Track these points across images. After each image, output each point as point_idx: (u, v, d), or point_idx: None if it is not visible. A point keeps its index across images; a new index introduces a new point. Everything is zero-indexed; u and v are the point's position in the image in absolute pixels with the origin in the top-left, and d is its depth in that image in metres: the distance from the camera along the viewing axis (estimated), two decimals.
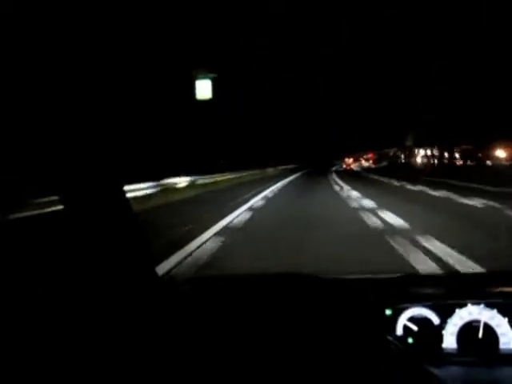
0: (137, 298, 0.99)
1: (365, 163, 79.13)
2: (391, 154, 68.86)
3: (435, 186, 15.63)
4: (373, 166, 69.87)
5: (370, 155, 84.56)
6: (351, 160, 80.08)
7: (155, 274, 1.09)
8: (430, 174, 25.21)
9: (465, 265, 4.17)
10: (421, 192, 14.02)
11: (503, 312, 0.96)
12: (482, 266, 3.90)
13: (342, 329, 0.98)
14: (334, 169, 57.83)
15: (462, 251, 4.75)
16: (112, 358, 0.86)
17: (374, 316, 1.01)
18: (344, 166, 66.25)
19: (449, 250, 4.94)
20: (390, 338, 0.98)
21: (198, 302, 1.08)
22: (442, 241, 5.27)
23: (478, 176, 17.71)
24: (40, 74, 0.94)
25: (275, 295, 1.11)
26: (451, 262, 4.41)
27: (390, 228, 6.66)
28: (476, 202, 10.13)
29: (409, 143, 64.21)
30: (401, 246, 5.25)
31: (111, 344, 0.90)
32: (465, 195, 11.58)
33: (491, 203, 9.74)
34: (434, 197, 12.32)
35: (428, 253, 4.86)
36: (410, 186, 16.80)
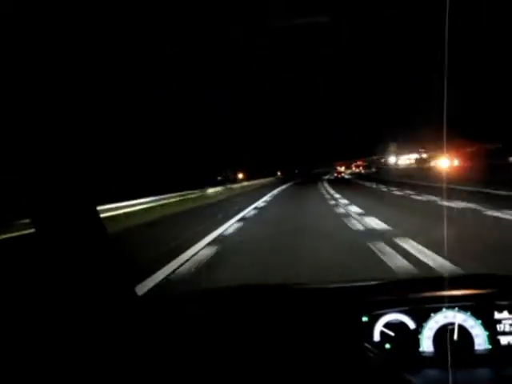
0: (114, 317, 1.00)
1: (355, 169, 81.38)
2: (381, 160, 71.25)
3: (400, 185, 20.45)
4: (363, 171, 72.69)
5: (359, 162, 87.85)
6: (343, 168, 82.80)
7: (133, 293, 1.10)
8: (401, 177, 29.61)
9: None
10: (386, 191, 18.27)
11: (476, 314, 0.98)
12: None
13: (319, 337, 0.99)
14: (326, 177, 57.30)
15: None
16: (93, 375, 0.86)
17: (351, 323, 1.01)
18: (335, 174, 67.00)
19: None
20: (367, 344, 0.99)
21: (174, 320, 1.09)
22: None
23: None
24: (36, 75, 0.94)
25: (253, 308, 1.12)
26: None
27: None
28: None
29: (392, 149, 67.28)
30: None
31: (90, 361, 0.90)
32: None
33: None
34: (394, 194, 15.92)
35: None
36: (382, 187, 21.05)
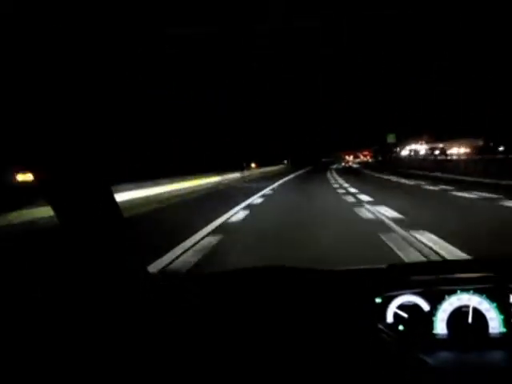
0: (128, 296, 1.00)
1: (363, 158, 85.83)
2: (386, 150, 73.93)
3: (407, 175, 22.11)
4: (370, 160, 77.30)
5: (366, 152, 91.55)
6: (351, 157, 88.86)
7: (146, 270, 1.10)
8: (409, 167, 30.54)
9: None
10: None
11: (492, 297, 0.97)
12: None
13: (333, 319, 0.99)
14: (334, 166, 57.99)
15: None
16: (107, 357, 0.87)
17: (365, 305, 1.01)
18: (343, 163, 70.77)
19: None
20: (380, 326, 0.98)
21: (189, 297, 1.08)
22: None
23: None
24: (37, 74, 0.95)
25: (265, 289, 1.12)
26: None
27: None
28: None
29: (390, 140, 69.63)
30: None
31: (105, 343, 0.90)
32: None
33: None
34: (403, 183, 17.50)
35: None
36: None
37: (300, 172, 36.24)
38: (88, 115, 1.08)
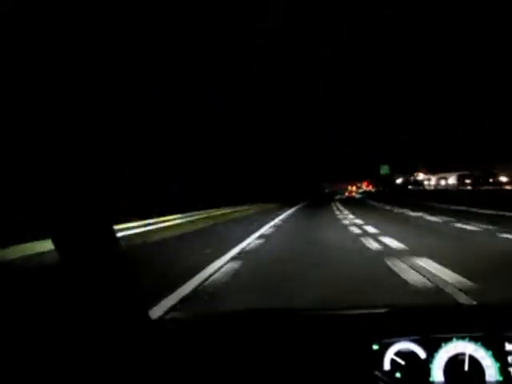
0: (127, 340, 1.01)
1: (366, 188, 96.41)
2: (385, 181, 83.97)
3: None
4: (373, 190, 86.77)
5: (364, 183, 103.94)
6: (354, 188, 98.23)
7: (146, 315, 1.12)
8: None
9: None
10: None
11: (487, 345, 0.98)
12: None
13: (330, 364, 1.00)
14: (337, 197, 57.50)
15: None
16: None
17: (362, 351, 1.01)
18: (347, 194, 77.47)
19: None
20: (377, 373, 0.98)
21: (187, 344, 1.10)
22: None
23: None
24: (37, 74, 0.94)
25: (263, 334, 1.13)
26: None
27: None
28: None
29: (384, 172, 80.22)
30: None
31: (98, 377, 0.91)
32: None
33: None
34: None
35: None
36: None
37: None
38: (88, 117, 1.07)
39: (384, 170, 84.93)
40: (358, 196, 59.99)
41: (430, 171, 65.33)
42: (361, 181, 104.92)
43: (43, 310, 1.10)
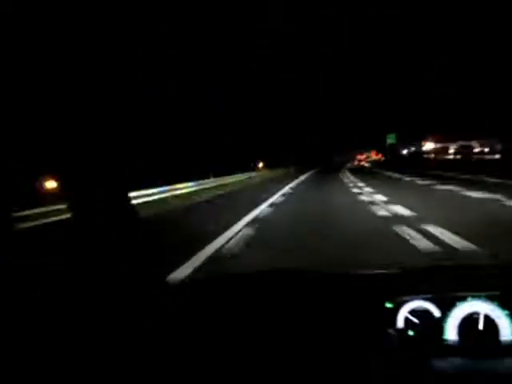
0: (139, 300, 1.01)
1: (375, 157, 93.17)
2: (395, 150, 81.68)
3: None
4: (382, 159, 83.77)
5: (373, 153, 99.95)
6: (363, 156, 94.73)
7: (158, 276, 1.12)
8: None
9: None
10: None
11: (503, 304, 0.96)
12: None
13: (343, 323, 1.00)
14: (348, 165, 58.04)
15: None
16: (115, 359, 0.88)
17: (375, 309, 1.01)
18: (356, 163, 75.64)
19: None
20: (391, 330, 0.98)
21: (198, 304, 1.10)
22: None
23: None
24: (42, 73, 0.94)
25: (277, 293, 1.13)
26: None
27: None
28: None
29: (390, 141, 79.01)
30: None
31: (114, 345, 0.92)
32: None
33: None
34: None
35: None
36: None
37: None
38: (91, 114, 1.07)
39: (390, 138, 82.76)
40: (367, 165, 59.43)
41: (441, 141, 64.47)
42: (368, 150, 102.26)
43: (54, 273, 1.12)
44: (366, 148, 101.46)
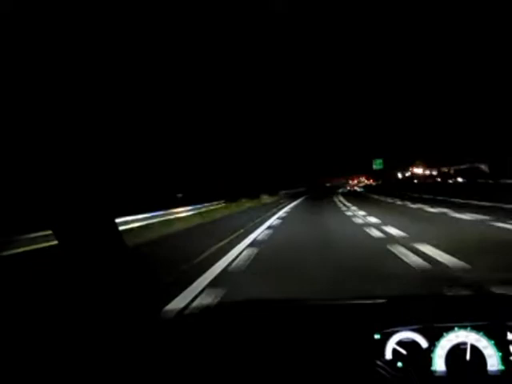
0: (132, 333, 1.02)
1: (368, 182, 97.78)
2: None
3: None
4: (373, 184, 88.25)
5: (364, 177, 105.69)
6: (355, 181, 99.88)
7: (153, 309, 1.15)
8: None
9: None
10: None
11: (489, 334, 0.98)
12: None
13: (332, 354, 0.99)
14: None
15: None
16: None
17: (363, 341, 1.01)
18: (348, 188, 78.07)
19: None
20: (379, 362, 0.98)
21: (193, 337, 1.10)
22: None
23: None
24: (37, 74, 0.92)
25: (264, 323, 1.13)
26: None
27: None
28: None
29: (377, 167, 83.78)
30: None
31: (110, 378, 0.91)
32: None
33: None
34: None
35: None
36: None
37: None
38: (88, 119, 1.05)
39: (377, 164, 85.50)
40: (359, 190, 60.14)
41: (428, 166, 65.61)
42: (357, 175, 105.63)
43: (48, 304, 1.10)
44: (350, 173, 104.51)
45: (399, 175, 79.78)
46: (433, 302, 1.28)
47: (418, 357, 0.97)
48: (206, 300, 3.92)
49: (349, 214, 13.78)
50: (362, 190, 57.93)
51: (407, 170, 77.42)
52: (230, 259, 6.12)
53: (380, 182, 79.74)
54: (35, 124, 0.91)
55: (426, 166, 66.50)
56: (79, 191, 0.94)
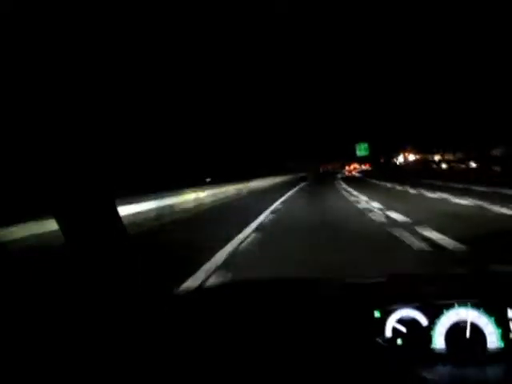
0: (142, 309, 1.04)
1: (364, 167, 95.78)
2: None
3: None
4: (370, 168, 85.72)
5: (354, 164, 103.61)
6: (352, 167, 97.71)
7: (160, 287, 1.15)
8: None
9: None
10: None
11: (489, 311, 0.98)
12: None
13: (331, 332, 1.01)
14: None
15: None
16: (122, 372, 0.89)
17: (363, 318, 1.02)
18: (346, 173, 75.46)
19: None
20: (379, 339, 1.00)
21: (203, 313, 1.12)
22: None
23: None
24: (38, 75, 0.94)
25: (263, 302, 1.15)
26: None
27: None
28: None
29: (362, 153, 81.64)
30: None
31: (121, 357, 0.93)
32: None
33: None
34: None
35: None
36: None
37: None
38: (89, 117, 1.07)
39: (361, 150, 79.93)
40: (358, 175, 57.35)
41: (418, 151, 63.95)
42: (337, 161, 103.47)
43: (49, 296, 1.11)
44: (328, 160, 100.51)
45: (395, 160, 77.48)
46: (433, 280, 1.30)
47: (418, 335, 0.99)
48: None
49: None
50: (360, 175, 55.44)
51: (395, 156, 75.53)
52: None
53: (372, 168, 77.73)
54: (35, 124, 0.92)
55: (417, 151, 64.99)
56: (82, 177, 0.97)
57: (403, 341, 0.98)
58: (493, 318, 0.97)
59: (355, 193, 16.81)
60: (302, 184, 30.61)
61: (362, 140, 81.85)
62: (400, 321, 1.00)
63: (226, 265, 4.93)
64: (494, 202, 9.45)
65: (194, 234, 7.93)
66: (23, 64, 0.90)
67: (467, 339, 0.96)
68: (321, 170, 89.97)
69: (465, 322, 0.97)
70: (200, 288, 2.28)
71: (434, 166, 49.16)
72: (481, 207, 8.99)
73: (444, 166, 45.88)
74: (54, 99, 0.95)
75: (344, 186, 24.54)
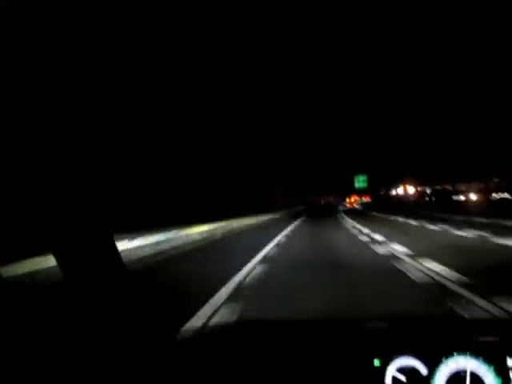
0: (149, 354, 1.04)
1: (365, 200, 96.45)
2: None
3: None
4: (370, 201, 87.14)
5: (355, 196, 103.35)
6: (352, 199, 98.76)
7: (158, 330, 1.16)
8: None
9: None
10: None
11: (488, 361, 0.98)
12: None
13: (332, 380, 0.99)
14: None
15: None
16: None
17: (363, 367, 1.01)
18: (348, 206, 77.45)
19: None
20: None
21: (203, 359, 1.11)
22: None
23: None
24: (37, 74, 0.93)
25: (264, 345, 1.15)
26: None
27: None
28: None
29: (360, 185, 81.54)
30: None
31: None
32: None
33: None
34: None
35: None
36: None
37: None
38: (88, 118, 1.06)
39: (360, 182, 79.69)
40: (359, 208, 58.83)
41: (420, 183, 64.45)
42: (336, 194, 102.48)
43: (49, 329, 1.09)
44: (326, 193, 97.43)
45: (394, 192, 77.35)
46: (432, 327, 1.30)
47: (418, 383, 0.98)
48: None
49: None
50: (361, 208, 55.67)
51: (395, 188, 75.59)
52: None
53: (374, 200, 78.46)
54: (36, 124, 0.91)
55: (418, 182, 65.10)
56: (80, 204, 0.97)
57: None
58: (492, 368, 0.97)
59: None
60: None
61: (361, 172, 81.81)
62: (400, 369, 1.00)
63: None
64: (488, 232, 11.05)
65: None
66: (23, 64, 0.89)
67: None
68: (322, 201, 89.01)
69: (464, 372, 0.97)
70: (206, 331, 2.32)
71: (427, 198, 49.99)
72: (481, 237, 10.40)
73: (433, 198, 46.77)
74: (54, 99, 0.94)
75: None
